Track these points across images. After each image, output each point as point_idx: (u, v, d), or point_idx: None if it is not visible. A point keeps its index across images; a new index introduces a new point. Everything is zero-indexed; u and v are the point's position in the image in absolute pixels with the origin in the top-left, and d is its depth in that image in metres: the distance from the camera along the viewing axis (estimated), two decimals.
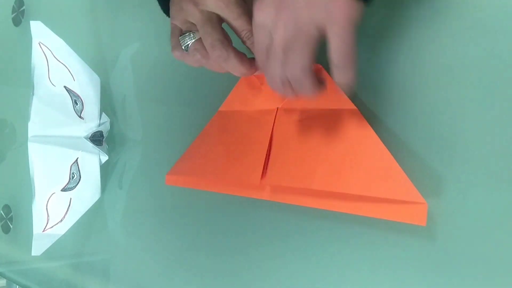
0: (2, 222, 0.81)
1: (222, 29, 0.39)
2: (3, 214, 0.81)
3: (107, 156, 0.63)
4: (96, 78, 0.63)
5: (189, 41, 0.40)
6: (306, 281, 0.43)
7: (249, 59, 0.39)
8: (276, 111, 0.44)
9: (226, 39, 0.39)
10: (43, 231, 0.64)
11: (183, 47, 0.40)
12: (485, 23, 0.34)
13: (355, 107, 0.38)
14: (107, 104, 0.65)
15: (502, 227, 0.32)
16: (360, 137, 0.37)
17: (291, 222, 0.44)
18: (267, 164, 0.43)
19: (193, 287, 0.53)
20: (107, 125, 0.64)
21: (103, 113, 0.63)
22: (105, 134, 0.64)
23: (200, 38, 0.39)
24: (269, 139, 0.43)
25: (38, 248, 0.64)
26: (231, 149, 0.46)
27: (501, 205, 0.32)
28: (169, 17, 0.42)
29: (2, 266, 0.81)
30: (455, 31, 0.35)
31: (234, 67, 0.39)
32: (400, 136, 0.37)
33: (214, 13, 0.38)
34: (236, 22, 0.38)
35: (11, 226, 0.80)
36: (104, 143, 0.64)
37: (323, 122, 0.40)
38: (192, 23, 0.39)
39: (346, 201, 0.38)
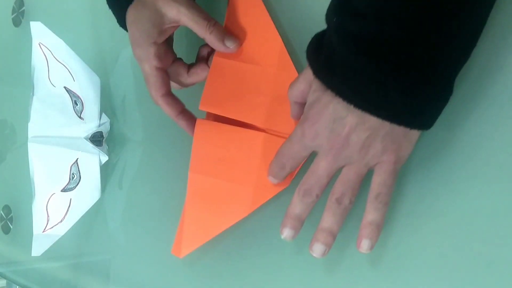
0: (2, 223, 0.81)
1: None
2: (3, 214, 0.81)
3: (107, 157, 0.63)
4: (96, 79, 0.63)
5: None
6: (303, 281, 0.43)
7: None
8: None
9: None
10: (43, 231, 0.64)
11: None
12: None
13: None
14: (107, 105, 0.65)
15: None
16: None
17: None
18: None
19: (193, 287, 0.53)
20: (107, 126, 0.64)
21: (103, 113, 0.63)
22: (105, 135, 0.64)
23: None
24: None
25: (38, 248, 0.64)
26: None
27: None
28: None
29: (2, 267, 0.81)
30: None
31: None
32: None
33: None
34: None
35: (11, 227, 0.80)
36: (104, 144, 0.64)
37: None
38: None
39: None
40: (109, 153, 0.64)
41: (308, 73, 0.35)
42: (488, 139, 0.34)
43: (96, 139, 0.63)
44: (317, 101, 0.34)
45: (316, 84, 0.34)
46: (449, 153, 0.36)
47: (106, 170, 0.64)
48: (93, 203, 0.63)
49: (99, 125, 0.63)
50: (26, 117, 0.64)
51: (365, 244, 0.34)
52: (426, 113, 0.32)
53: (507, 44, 0.34)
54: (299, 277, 0.44)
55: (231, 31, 0.47)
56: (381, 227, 0.34)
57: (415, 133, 0.33)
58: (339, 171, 0.35)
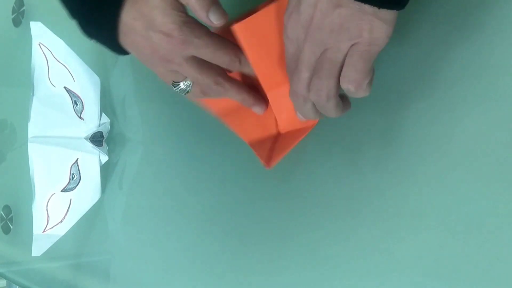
0: (2, 223, 0.81)
1: (207, 65, 0.39)
2: (3, 214, 0.81)
3: (107, 157, 0.63)
4: (96, 79, 0.63)
5: (187, 88, 0.41)
6: (305, 282, 0.43)
7: (243, 86, 0.41)
8: None
9: (217, 75, 0.40)
10: (43, 231, 0.64)
11: (183, 94, 0.42)
12: (477, 23, 0.34)
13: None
14: (107, 105, 0.65)
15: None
16: None
17: (291, 222, 0.44)
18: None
19: (193, 287, 0.53)
20: (107, 126, 0.64)
21: (103, 113, 0.63)
22: (105, 135, 0.64)
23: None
24: None
25: (38, 248, 0.64)
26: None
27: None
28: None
29: (3, 267, 0.81)
30: (445, 30, 0.35)
31: (234, 96, 0.42)
32: (397, 134, 0.37)
33: (192, 56, 0.39)
34: (212, 58, 0.39)
35: (11, 227, 0.80)
36: (104, 144, 0.64)
37: None
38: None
39: None
40: (109, 153, 0.64)
41: None
42: (487, 138, 0.34)
43: (96, 139, 0.63)
44: None
45: None
46: (448, 152, 0.36)
47: (106, 170, 0.64)
48: (93, 203, 0.63)
49: (99, 125, 0.63)
50: (26, 117, 0.64)
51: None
52: None
53: (507, 43, 0.34)
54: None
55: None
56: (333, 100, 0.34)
57: (389, 13, 0.31)
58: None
